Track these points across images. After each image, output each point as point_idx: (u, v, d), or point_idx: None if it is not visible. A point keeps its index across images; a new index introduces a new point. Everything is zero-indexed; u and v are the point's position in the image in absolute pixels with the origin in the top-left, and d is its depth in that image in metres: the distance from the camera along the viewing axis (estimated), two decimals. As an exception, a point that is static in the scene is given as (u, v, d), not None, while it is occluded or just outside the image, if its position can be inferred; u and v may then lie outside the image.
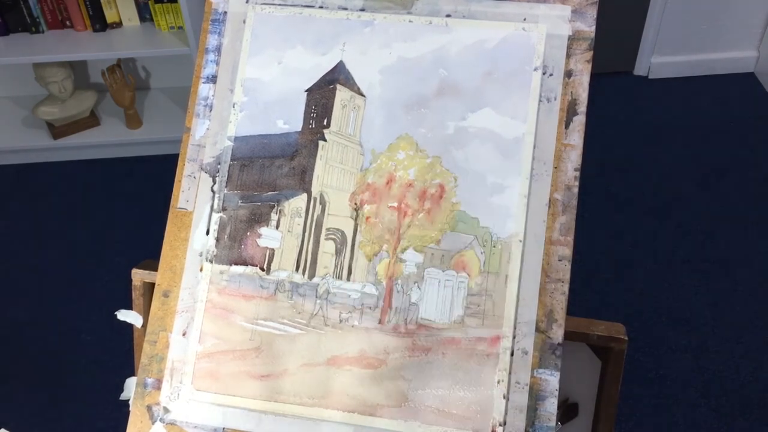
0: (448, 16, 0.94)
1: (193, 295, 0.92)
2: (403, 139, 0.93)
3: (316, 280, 0.91)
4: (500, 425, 0.85)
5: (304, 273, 0.91)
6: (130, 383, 0.96)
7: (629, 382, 1.97)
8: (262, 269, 0.92)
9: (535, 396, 0.85)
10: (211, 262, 0.93)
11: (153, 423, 0.91)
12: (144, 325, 0.98)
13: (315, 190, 0.93)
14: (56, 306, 2.27)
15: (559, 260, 0.87)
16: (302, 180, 0.94)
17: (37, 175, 2.71)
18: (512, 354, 0.86)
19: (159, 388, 0.91)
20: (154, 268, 0.95)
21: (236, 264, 0.93)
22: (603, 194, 2.50)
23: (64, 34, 2.52)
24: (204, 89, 0.97)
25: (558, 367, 0.85)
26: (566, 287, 0.87)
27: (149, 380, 0.92)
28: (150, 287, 0.98)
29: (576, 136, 0.90)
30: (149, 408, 0.91)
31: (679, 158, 2.63)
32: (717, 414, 1.93)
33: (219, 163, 0.95)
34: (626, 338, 0.92)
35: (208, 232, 0.94)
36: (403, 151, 0.92)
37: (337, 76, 0.95)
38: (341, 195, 0.92)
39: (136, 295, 0.99)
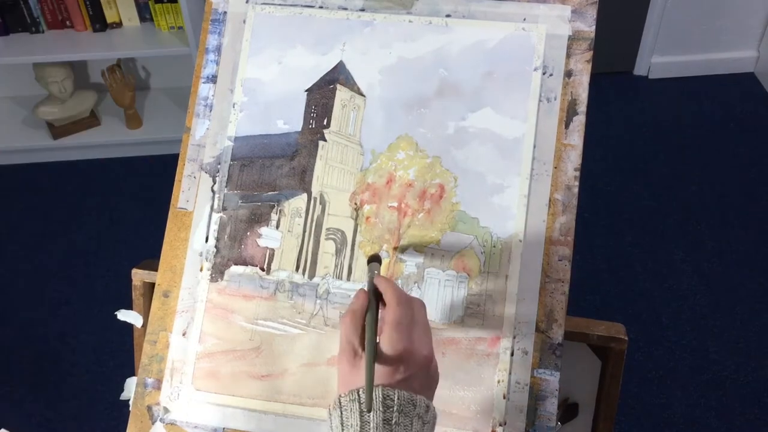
0: (448, 16, 0.94)
1: (193, 295, 0.92)
2: (403, 139, 0.93)
3: (316, 280, 0.91)
4: (500, 425, 0.85)
5: (304, 273, 0.91)
6: (130, 383, 0.96)
7: (629, 382, 1.97)
8: (262, 269, 0.92)
9: (536, 396, 0.85)
10: (211, 261, 0.93)
11: (153, 423, 0.91)
12: (144, 325, 0.98)
13: (315, 190, 0.93)
14: (56, 306, 2.27)
15: (559, 260, 0.87)
16: (302, 180, 0.94)
17: (37, 175, 2.71)
18: (512, 354, 0.86)
19: (159, 388, 0.91)
20: (154, 268, 0.96)
21: (236, 264, 0.93)
22: (603, 194, 2.50)
23: (64, 34, 2.52)
24: (204, 89, 0.97)
25: (558, 367, 0.85)
26: (566, 287, 0.87)
27: (149, 380, 0.92)
28: (150, 287, 0.98)
29: (576, 136, 0.90)
30: (149, 408, 0.91)
31: (679, 158, 2.63)
32: (717, 414, 1.93)
33: (219, 163, 0.95)
34: (626, 338, 0.92)
35: (208, 233, 0.94)
36: (403, 151, 0.92)
37: (337, 76, 0.95)
38: (341, 195, 0.92)
39: (136, 295, 0.99)
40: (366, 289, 0.76)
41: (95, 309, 2.25)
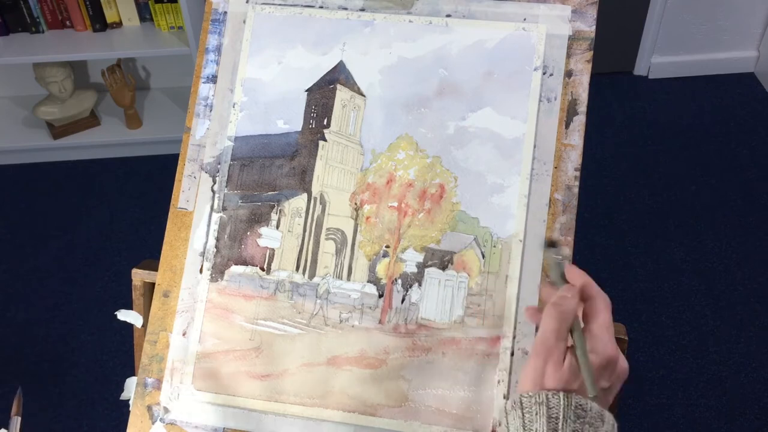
0: (448, 16, 0.94)
1: (193, 295, 0.92)
2: (403, 139, 0.93)
3: (316, 279, 0.91)
4: (500, 425, 0.85)
5: (304, 273, 0.91)
6: (130, 383, 0.96)
7: (629, 382, 1.97)
8: (263, 269, 0.92)
9: (535, 396, 0.85)
10: (211, 261, 0.93)
11: (153, 423, 0.91)
12: (144, 325, 0.98)
13: (315, 190, 0.93)
14: (56, 306, 2.27)
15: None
16: (302, 180, 0.94)
17: (37, 175, 2.71)
18: (512, 354, 0.86)
19: (159, 388, 0.91)
20: (154, 268, 0.95)
21: (236, 264, 0.93)
22: (603, 194, 2.50)
23: (64, 34, 2.52)
24: (204, 89, 0.97)
25: (558, 367, 0.85)
26: (566, 287, 0.87)
27: (149, 380, 0.92)
28: (150, 287, 0.98)
29: (576, 136, 0.90)
30: (149, 408, 0.91)
31: (679, 158, 2.63)
32: (717, 414, 1.93)
33: (219, 163, 0.95)
34: (626, 338, 0.92)
35: (208, 232, 0.94)
36: (404, 151, 0.92)
37: (337, 76, 0.95)
38: (341, 195, 0.92)
39: (136, 295, 0.99)
40: (552, 278, 0.70)
41: (95, 309, 2.25)
